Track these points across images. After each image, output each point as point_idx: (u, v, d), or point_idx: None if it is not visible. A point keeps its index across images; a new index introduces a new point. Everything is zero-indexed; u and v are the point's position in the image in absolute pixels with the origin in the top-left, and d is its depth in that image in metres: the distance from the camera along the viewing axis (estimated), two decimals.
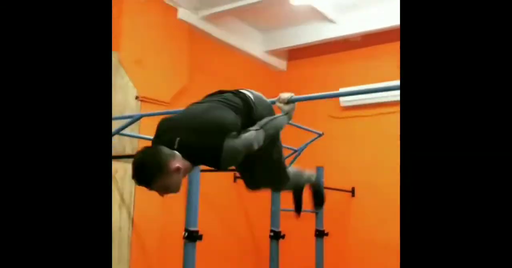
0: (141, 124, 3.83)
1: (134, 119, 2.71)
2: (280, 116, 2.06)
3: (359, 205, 4.97)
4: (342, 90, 5.02)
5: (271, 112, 2.09)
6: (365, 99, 4.87)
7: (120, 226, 3.63)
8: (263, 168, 2.20)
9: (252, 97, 2.04)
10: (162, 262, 3.94)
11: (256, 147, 1.84)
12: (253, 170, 2.19)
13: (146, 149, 1.75)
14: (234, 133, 1.77)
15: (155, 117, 3.89)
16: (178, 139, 1.74)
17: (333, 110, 5.25)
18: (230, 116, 1.84)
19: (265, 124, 1.95)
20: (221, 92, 2.08)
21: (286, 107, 2.07)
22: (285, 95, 2.07)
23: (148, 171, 1.66)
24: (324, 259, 4.32)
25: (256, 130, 1.89)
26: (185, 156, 1.73)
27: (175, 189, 1.74)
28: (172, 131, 1.80)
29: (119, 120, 3.30)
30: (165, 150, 1.70)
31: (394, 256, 4.64)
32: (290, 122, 2.11)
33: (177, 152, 1.72)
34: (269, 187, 2.57)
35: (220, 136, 1.72)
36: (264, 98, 2.12)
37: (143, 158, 1.70)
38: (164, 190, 1.73)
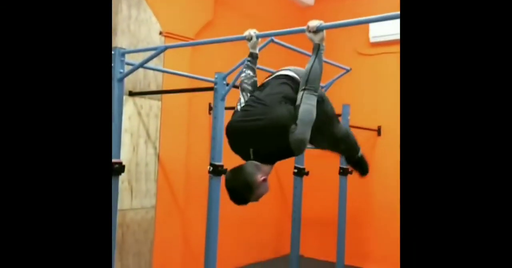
0: (165, 59, 3.79)
1: (159, 51, 2.65)
2: (313, 58, 1.98)
3: (385, 145, 4.93)
4: (373, 25, 4.86)
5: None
6: (396, 34, 4.69)
7: (146, 162, 3.69)
8: (325, 128, 2.27)
9: (296, 77, 2.10)
10: (187, 196, 4.04)
11: (314, 112, 1.90)
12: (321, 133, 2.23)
13: (231, 172, 1.89)
14: (293, 126, 1.84)
15: (180, 51, 3.88)
16: (251, 149, 1.89)
17: (362, 46, 5.09)
18: (285, 112, 1.89)
19: (306, 81, 1.94)
20: (267, 83, 2.14)
21: (316, 37, 1.99)
22: (314, 23, 1.98)
23: (241, 194, 1.85)
24: (348, 197, 4.35)
25: (302, 97, 1.91)
26: (263, 161, 1.88)
27: (264, 194, 1.92)
28: (242, 140, 1.95)
29: (144, 54, 3.27)
30: (248, 168, 1.85)
31: None
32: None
33: (257, 163, 1.87)
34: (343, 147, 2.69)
35: (285, 136, 1.82)
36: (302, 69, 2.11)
37: (232, 184, 1.85)
38: (259, 198, 1.90)
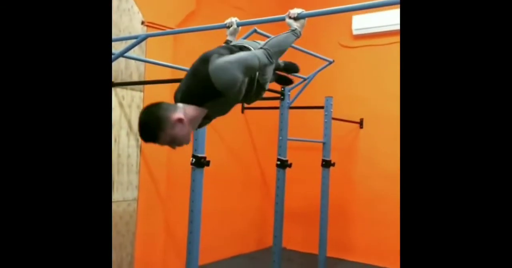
0: (147, 49, 3.74)
1: (140, 39, 2.61)
2: (285, 33, 1.96)
3: (367, 137, 4.96)
4: (356, 17, 4.87)
5: None
6: (379, 26, 4.72)
7: (128, 153, 3.65)
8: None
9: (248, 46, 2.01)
10: (170, 188, 4.01)
11: (257, 63, 1.77)
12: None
13: (146, 107, 1.73)
14: (216, 55, 1.74)
15: (162, 42, 3.84)
16: (180, 93, 1.77)
17: (345, 39, 5.10)
18: (215, 49, 1.82)
19: (266, 42, 1.89)
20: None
21: (295, 24, 1.98)
22: (295, 10, 1.98)
23: (149, 128, 1.67)
24: (330, 189, 4.37)
25: (255, 49, 1.86)
26: (190, 102, 1.72)
27: (183, 140, 1.74)
28: (178, 90, 1.82)
29: (125, 44, 3.22)
30: (164, 105, 1.70)
31: (398, 188, 4.70)
32: (301, 48, 2.03)
33: (179, 104, 1.72)
34: None
35: (206, 64, 1.71)
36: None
37: (143, 117, 1.69)
38: (172, 143, 1.73)
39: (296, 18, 1.98)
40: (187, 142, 1.77)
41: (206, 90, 1.69)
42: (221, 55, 1.75)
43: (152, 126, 1.66)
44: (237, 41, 2.16)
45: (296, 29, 1.97)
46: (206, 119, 1.84)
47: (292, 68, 2.89)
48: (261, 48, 1.86)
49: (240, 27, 2.24)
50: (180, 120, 1.67)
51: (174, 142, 1.72)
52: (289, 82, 3.02)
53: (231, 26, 2.20)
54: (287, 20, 2.01)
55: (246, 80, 1.80)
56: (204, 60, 1.75)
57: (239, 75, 1.70)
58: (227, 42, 2.20)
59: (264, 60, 1.81)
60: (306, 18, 2.00)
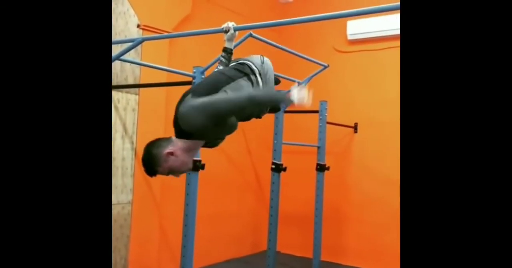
0: (143, 53, 3.75)
1: (136, 43, 2.61)
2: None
3: (361, 141, 4.98)
4: (351, 22, 4.90)
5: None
6: (374, 32, 4.75)
7: (123, 156, 3.65)
8: None
9: (247, 62, 2.06)
10: (165, 191, 4.00)
11: (225, 110, 1.79)
12: None
13: (145, 146, 1.85)
14: (190, 96, 1.81)
15: (158, 45, 3.84)
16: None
17: (340, 44, 5.12)
18: (203, 81, 1.91)
19: (262, 88, 2.00)
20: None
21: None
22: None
23: (148, 165, 1.82)
24: (324, 193, 4.38)
25: (245, 91, 1.92)
26: (177, 135, 1.83)
27: (181, 169, 1.86)
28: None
29: (121, 47, 3.22)
30: (158, 142, 1.82)
31: (394, 192, 4.73)
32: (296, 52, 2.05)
33: (172, 138, 1.84)
34: None
35: (180, 103, 1.81)
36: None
37: (143, 156, 1.83)
38: (171, 174, 1.86)
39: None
40: (187, 170, 1.91)
41: (181, 129, 1.80)
42: (199, 95, 1.80)
43: (150, 163, 1.81)
44: (239, 59, 2.15)
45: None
46: (210, 143, 1.96)
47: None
48: (252, 93, 1.92)
49: (237, 32, 2.21)
50: (171, 154, 1.79)
51: (173, 173, 1.85)
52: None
53: (228, 31, 2.18)
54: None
55: (233, 117, 1.88)
56: (184, 96, 1.84)
57: (207, 123, 1.75)
58: (225, 50, 2.20)
59: (240, 103, 1.83)
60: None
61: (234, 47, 2.36)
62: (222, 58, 2.19)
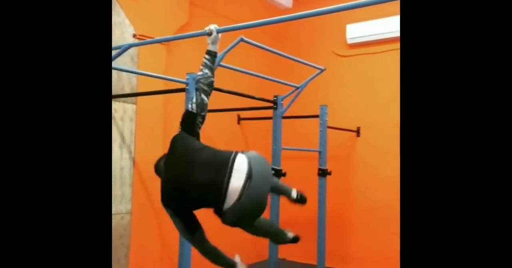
0: (140, 62, 3.74)
1: (123, 49, 2.60)
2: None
3: (364, 145, 4.92)
4: (350, 26, 4.87)
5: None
6: (373, 35, 4.72)
7: (121, 166, 3.63)
8: None
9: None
10: None
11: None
12: None
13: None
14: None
15: (155, 54, 3.83)
16: None
17: (339, 47, 5.09)
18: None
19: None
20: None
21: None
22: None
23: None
24: (327, 198, 4.33)
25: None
26: None
27: None
28: None
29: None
30: None
31: (398, 197, 4.66)
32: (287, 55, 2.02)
33: None
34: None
35: None
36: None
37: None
38: None
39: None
40: None
41: None
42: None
43: None
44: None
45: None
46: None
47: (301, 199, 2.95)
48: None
49: (220, 34, 2.19)
50: None
51: None
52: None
53: (212, 33, 2.17)
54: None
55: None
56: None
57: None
58: (209, 52, 2.18)
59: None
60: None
61: (226, 52, 2.35)
62: (206, 61, 2.17)
